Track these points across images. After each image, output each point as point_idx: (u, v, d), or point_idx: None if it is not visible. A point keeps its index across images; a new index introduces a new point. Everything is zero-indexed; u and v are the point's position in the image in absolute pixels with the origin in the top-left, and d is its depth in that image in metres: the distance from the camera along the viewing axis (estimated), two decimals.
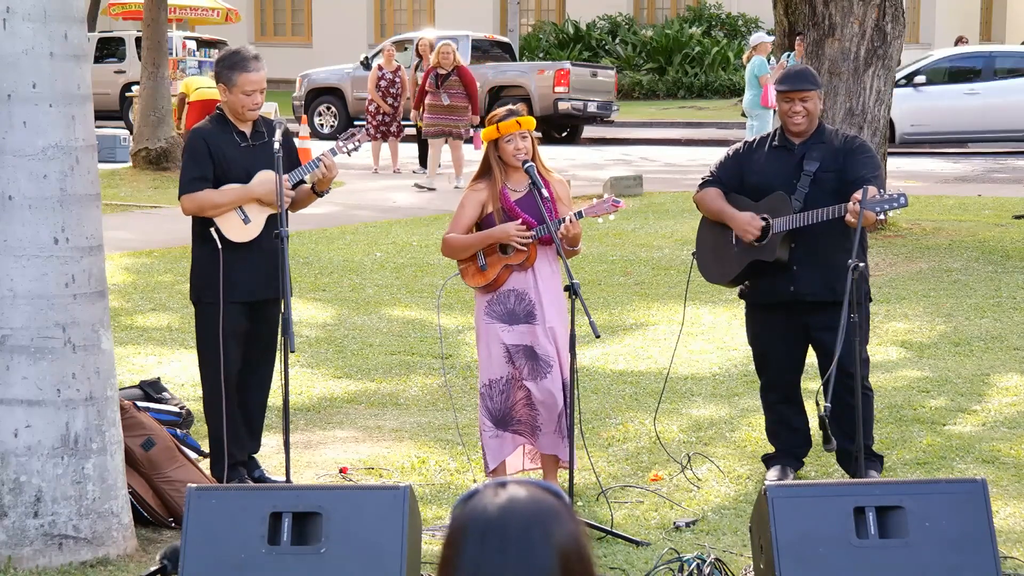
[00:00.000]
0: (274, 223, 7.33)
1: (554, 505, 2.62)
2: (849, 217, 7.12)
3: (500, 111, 7.38)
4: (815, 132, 7.60)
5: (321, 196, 7.70)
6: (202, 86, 22.25)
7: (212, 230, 7.36)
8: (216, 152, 7.41)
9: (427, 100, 20.99)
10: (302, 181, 7.58)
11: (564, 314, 7.26)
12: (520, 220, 7.25)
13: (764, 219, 7.49)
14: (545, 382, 7.25)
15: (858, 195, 7.07)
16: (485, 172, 7.39)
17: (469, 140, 21.35)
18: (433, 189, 20.77)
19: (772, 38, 20.63)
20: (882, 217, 7.28)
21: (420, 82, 21.39)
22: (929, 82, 25.51)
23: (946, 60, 26.45)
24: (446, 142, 20.96)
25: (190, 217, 7.52)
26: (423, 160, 23.40)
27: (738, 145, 7.89)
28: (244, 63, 7.40)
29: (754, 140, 7.86)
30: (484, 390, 7.35)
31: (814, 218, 7.36)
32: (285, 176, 7.31)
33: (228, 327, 7.35)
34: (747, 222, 7.52)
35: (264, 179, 7.38)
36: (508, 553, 2.56)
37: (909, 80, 24.96)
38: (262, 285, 7.40)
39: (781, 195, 7.48)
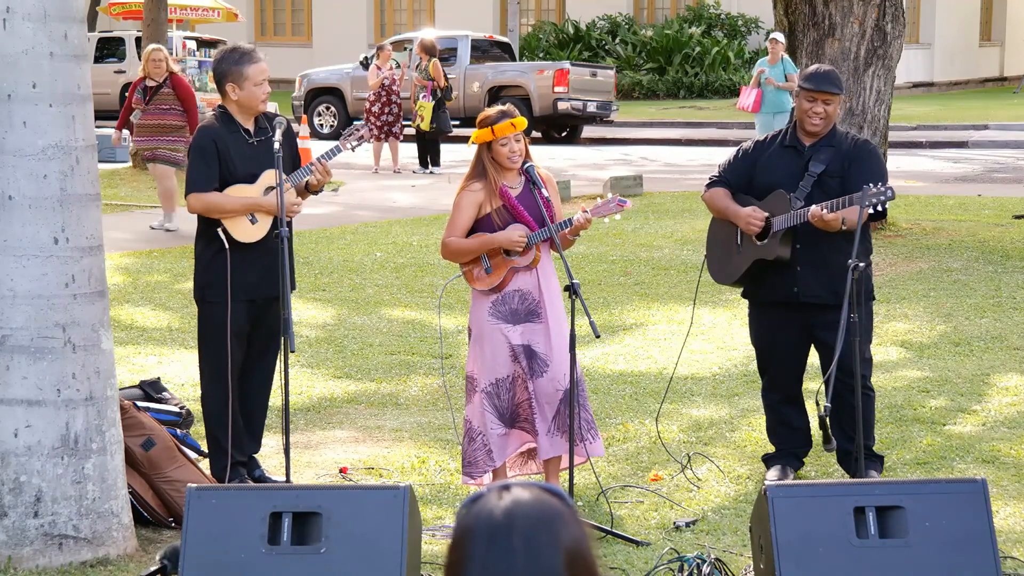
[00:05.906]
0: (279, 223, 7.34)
1: (559, 508, 2.62)
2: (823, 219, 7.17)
3: (492, 112, 7.23)
4: (827, 134, 7.54)
5: (316, 194, 7.74)
6: None
7: (219, 230, 7.35)
8: (223, 150, 7.40)
9: (136, 118, 16.54)
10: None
11: (564, 311, 7.24)
12: (523, 225, 7.20)
13: (767, 216, 7.49)
14: (543, 379, 7.20)
15: (850, 213, 7.10)
16: (480, 173, 7.26)
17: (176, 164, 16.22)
18: (172, 230, 16.31)
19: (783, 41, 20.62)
20: (871, 211, 7.24)
21: (128, 95, 16.83)
22: None
23: None
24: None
25: (194, 215, 7.51)
26: (423, 160, 23.40)
27: (747, 144, 7.85)
28: (250, 55, 7.44)
29: (765, 138, 7.80)
30: (491, 389, 7.23)
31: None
32: (287, 183, 7.32)
33: (231, 326, 7.35)
34: (749, 215, 7.50)
35: (274, 193, 7.38)
36: (515, 556, 2.55)
37: None
38: (266, 285, 7.40)
39: (781, 193, 7.46)
